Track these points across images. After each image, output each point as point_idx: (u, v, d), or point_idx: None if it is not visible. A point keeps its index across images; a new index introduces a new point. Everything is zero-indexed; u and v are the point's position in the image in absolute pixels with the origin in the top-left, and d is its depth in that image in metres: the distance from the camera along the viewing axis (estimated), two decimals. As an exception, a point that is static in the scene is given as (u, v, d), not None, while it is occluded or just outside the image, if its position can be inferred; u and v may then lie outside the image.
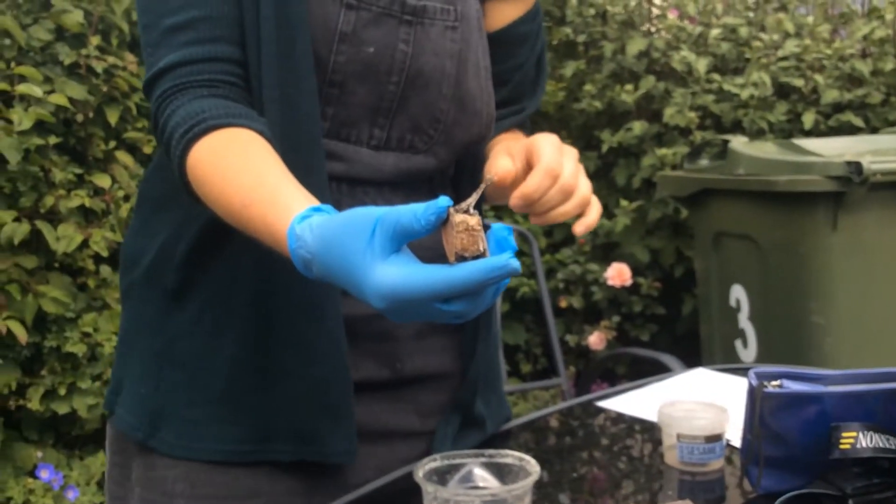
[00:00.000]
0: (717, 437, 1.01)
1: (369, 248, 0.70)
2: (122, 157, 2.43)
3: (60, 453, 2.34)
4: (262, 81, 0.92)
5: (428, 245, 0.79)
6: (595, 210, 0.93)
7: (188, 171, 0.89)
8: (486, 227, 0.71)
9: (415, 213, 0.69)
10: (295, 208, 0.78)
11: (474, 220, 0.69)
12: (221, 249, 0.96)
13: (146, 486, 0.99)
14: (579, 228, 0.91)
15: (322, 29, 0.93)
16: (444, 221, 0.70)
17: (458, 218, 0.69)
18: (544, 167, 0.89)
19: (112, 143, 2.43)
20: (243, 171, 0.85)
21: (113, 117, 2.38)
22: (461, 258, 0.69)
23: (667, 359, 2.34)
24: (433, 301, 0.69)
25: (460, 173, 1.09)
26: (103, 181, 2.35)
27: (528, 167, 0.92)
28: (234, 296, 0.96)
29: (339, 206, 0.97)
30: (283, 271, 0.88)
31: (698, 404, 1.07)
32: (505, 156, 0.97)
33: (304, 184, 0.85)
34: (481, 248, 0.69)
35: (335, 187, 0.98)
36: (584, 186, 0.92)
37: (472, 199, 0.70)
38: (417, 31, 0.97)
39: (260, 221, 0.81)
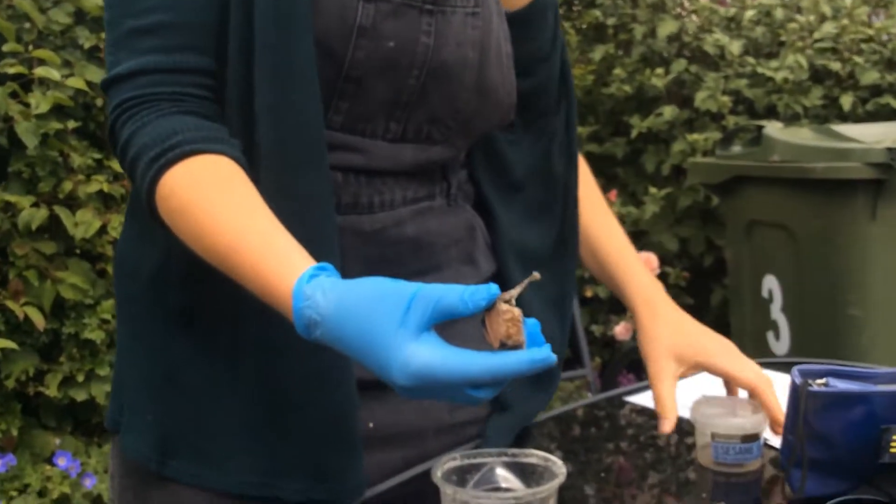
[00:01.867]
0: (754, 437, 0.95)
1: (403, 325, 0.69)
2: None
3: (78, 440, 2.33)
4: (254, 89, 0.86)
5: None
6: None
7: (159, 199, 0.83)
8: None
9: (461, 295, 0.69)
10: (297, 264, 0.76)
11: (518, 311, 0.71)
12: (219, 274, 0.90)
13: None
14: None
15: (338, 23, 0.86)
16: (490, 307, 0.71)
17: (503, 307, 0.70)
18: (766, 385, 1.00)
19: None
20: (229, 209, 0.81)
21: (132, 102, 2.35)
22: (503, 346, 0.71)
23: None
24: (465, 386, 0.70)
25: (473, 155, 1.04)
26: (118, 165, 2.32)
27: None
28: (243, 319, 0.90)
29: (359, 198, 0.93)
30: None
31: (733, 400, 1.01)
32: (673, 362, 1.04)
33: (307, 193, 0.84)
34: (522, 339, 0.71)
35: (353, 179, 0.92)
36: None
37: (517, 291, 0.72)
38: (439, 20, 0.91)
39: (250, 269, 0.78)
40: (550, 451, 0.93)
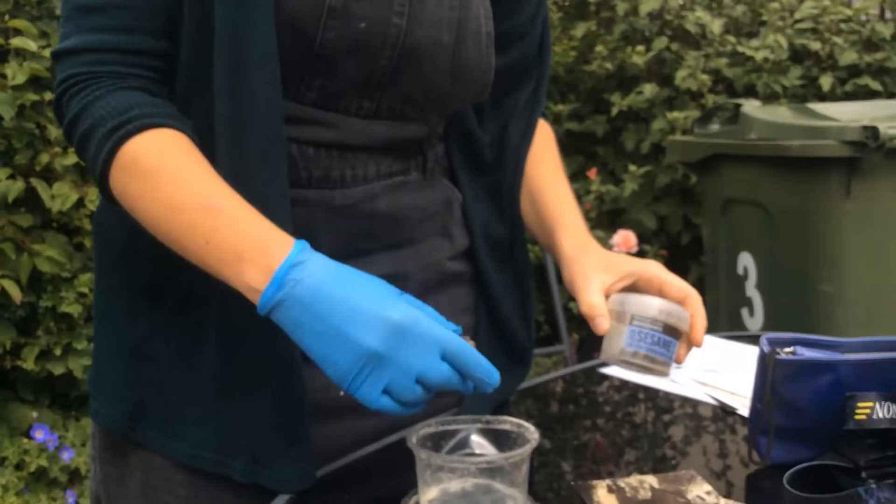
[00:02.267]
0: (675, 333, 0.88)
1: (395, 292, 0.77)
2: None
3: (56, 414, 2.32)
4: (212, 69, 0.85)
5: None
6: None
7: (116, 168, 0.83)
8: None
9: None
10: (281, 234, 0.80)
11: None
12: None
13: (148, 473, 0.95)
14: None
15: (309, 3, 0.86)
16: None
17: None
18: (696, 297, 0.92)
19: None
20: (199, 178, 0.82)
21: (110, 73, 2.33)
22: None
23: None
24: (437, 346, 0.76)
25: (449, 130, 1.04)
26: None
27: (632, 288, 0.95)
28: (208, 298, 0.90)
29: (330, 172, 0.92)
30: None
31: (661, 299, 0.91)
32: (603, 273, 0.96)
33: (261, 179, 0.84)
34: None
35: (324, 153, 0.92)
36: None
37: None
38: (413, 1, 0.90)
39: (226, 226, 0.80)
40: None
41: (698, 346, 0.90)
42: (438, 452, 0.83)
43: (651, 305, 0.87)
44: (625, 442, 1.02)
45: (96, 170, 0.84)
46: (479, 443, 0.85)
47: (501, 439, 0.85)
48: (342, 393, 0.95)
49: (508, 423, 0.85)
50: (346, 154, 0.94)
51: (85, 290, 2.26)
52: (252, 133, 0.85)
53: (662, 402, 1.13)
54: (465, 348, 0.78)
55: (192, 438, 0.92)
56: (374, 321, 0.75)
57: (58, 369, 2.24)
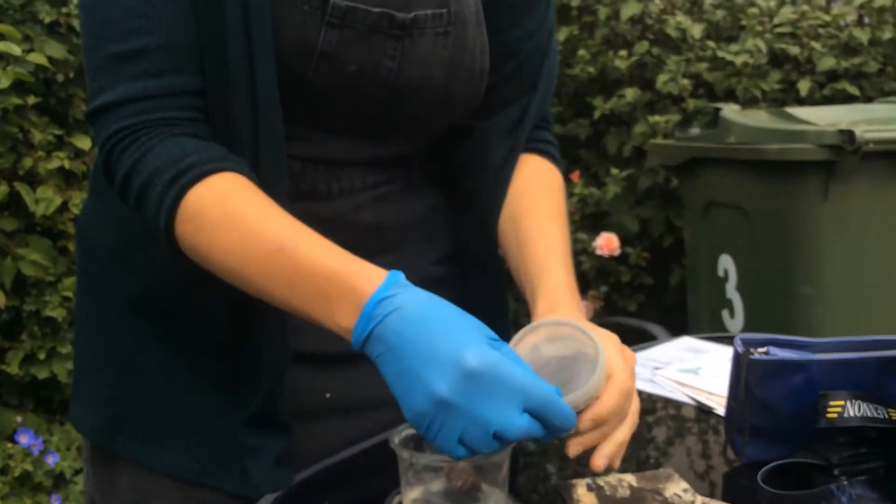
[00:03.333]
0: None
1: (482, 333, 0.73)
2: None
3: (41, 418, 2.32)
4: (231, 108, 0.84)
5: None
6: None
7: (181, 221, 0.81)
8: None
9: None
10: (369, 266, 0.77)
11: None
12: (185, 262, 0.89)
13: (137, 477, 0.96)
14: (600, 461, 0.80)
15: (299, 47, 0.85)
16: None
17: None
18: (621, 387, 0.79)
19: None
20: (271, 216, 0.81)
21: (94, 78, 2.33)
22: None
23: (652, 328, 2.33)
24: (517, 398, 0.71)
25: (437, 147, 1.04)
26: (83, 143, 2.30)
27: None
28: (202, 311, 0.90)
29: (316, 185, 0.92)
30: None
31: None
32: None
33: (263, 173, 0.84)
34: None
35: (311, 168, 0.92)
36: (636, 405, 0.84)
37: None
38: (405, 43, 0.89)
39: (308, 265, 0.78)
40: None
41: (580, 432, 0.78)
42: (420, 452, 0.84)
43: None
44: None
45: (159, 225, 0.82)
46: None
47: (483, 439, 0.86)
48: (328, 395, 0.97)
49: (490, 423, 0.87)
50: (333, 168, 0.94)
51: (69, 293, 2.26)
52: (264, 174, 0.85)
53: (643, 404, 1.15)
54: (549, 400, 0.72)
55: (178, 450, 0.92)
56: (448, 366, 0.70)
57: (42, 373, 2.24)
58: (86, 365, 1.00)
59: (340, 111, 0.91)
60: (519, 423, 0.71)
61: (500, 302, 1.08)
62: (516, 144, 1.03)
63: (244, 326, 0.89)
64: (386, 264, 0.93)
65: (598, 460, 0.79)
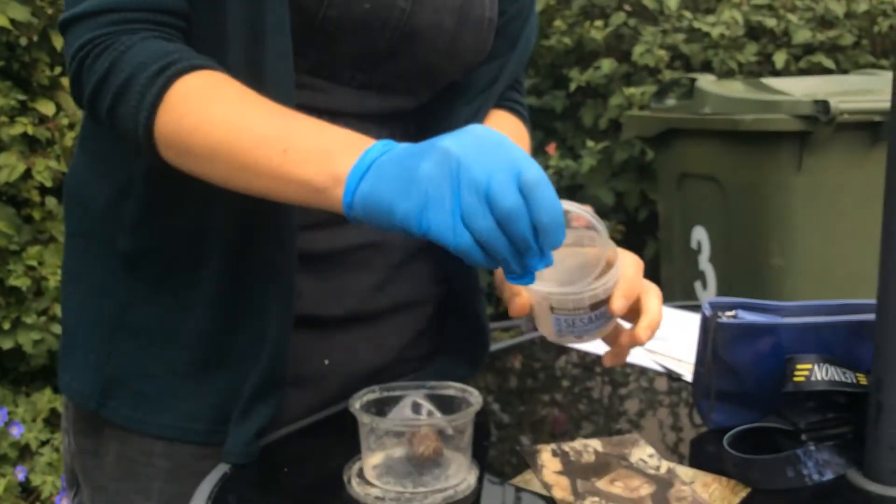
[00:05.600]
0: (602, 302, 0.79)
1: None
2: (69, 83, 2.32)
3: (6, 389, 2.28)
4: (227, 43, 0.81)
5: None
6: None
7: (166, 109, 0.77)
8: None
9: None
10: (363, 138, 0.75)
11: None
12: (182, 209, 0.86)
13: (124, 445, 0.93)
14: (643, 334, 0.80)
15: None
16: None
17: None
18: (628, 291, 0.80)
19: (58, 69, 2.33)
20: (262, 102, 0.77)
21: (59, 42, 2.27)
22: None
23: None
24: (515, 167, 0.66)
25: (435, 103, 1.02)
26: (48, 108, 2.25)
27: None
28: (200, 264, 0.87)
29: None
30: (257, 240, 0.82)
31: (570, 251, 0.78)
32: None
33: None
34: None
35: (315, 118, 0.90)
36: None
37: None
38: None
39: (315, 123, 0.76)
40: (488, 403, 0.94)
41: (616, 313, 0.79)
42: (382, 417, 0.82)
43: (569, 299, 0.77)
44: (577, 411, 1.03)
45: (140, 116, 0.77)
46: (423, 408, 0.85)
47: (446, 404, 0.85)
48: (326, 362, 0.95)
49: (452, 387, 0.85)
50: (338, 120, 0.91)
51: (34, 263, 2.22)
52: (266, 81, 0.82)
53: (611, 371, 1.14)
54: (542, 181, 0.67)
55: (179, 411, 0.90)
56: (456, 134, 0.69)
57: (6, 344, 2.20)
58: (75, 328, 0.97)
59: (348, 56, 0.89)
60: (511, 189, 0.66)
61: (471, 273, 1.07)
62: (487, 100, 1.02)
63: (245, 282, 0.87)
64: None
65: (642, 333, 0.79)
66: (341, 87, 0.91)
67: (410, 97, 0.97)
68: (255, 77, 0.81)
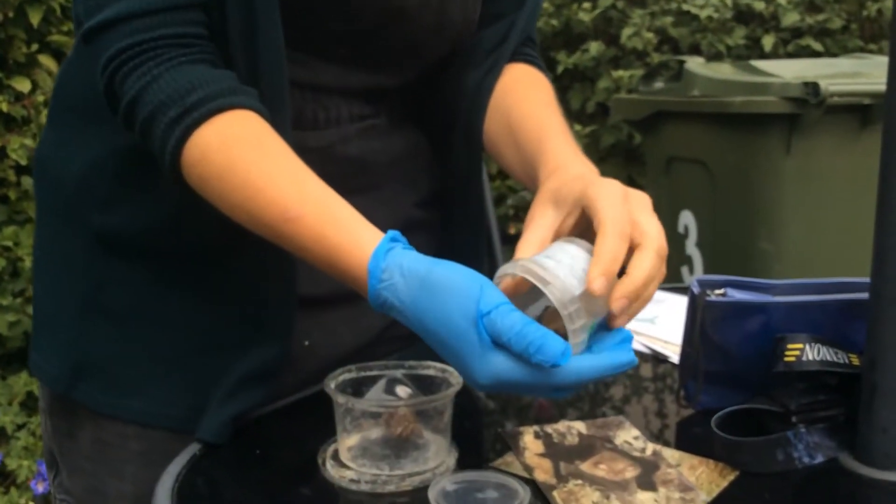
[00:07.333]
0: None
1: (476, 333, 0.66)
2: (45, 60, 2.28)
3: (-20, 372, 2.24)
4: (226, 16, 0.79)
5: None
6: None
7: (187, 165, 0.76)
8: None
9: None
10: (366, 237, 0.72)
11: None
12: (158, 186, 0.82)
13: (98, 428, 0.90)
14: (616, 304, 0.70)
15: None
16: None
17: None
18: (614, 230, 0.71)
19: (34, 46, 2.28)
20: (274, 175, 0.75)
21: (35, 18, 2.22)
22: None
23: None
24: (548, 391, 0.69)
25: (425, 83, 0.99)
26: (24, 86, 2.21)
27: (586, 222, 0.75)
28: (182, 244, 0.84)
29: (303, 112, 0.88)
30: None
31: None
32: (550, 207, 0.78)
33: (262, 97, 0.78)
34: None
35: (298, 94, 0.87)
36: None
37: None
38: None
39: (311, 240, 0.73)
40: (472, 390, 0.91)
41: (591, 290, 0.68)
42: (358, 398, 0.79)
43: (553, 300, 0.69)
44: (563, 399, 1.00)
45: (164, 165, 0.76)
46: (402, 388, 0.82)
47: (425, 384, 0.82)
48: (306, 343, 0.92)
49: (432, 367, 0.82)
50: (320, 95, 0.89)
51: (9, 243, 2.17)
52: (265, 84, 0.80)
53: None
54: (572, 379, 0.67)
55: (154, 396, 0.87)
56: (476, 370, 0.67)
57: (-19, 326, 2.16)
58: (46, 308, 0.94)
59: (332, 32, 0.86)
60: (558, 395, 0.71)
61: (477, 249, 1.04)
62: (500, 58, 0.98)
63: (236, 265, 0.85)
64: (369, 204, 0.88)
65: (615, 303, 0.69)
66: (325, 63, 0.88)
67: (397, 74, 0.94)
68: (247, 49, 0.79)
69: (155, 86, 0.75)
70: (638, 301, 0.71)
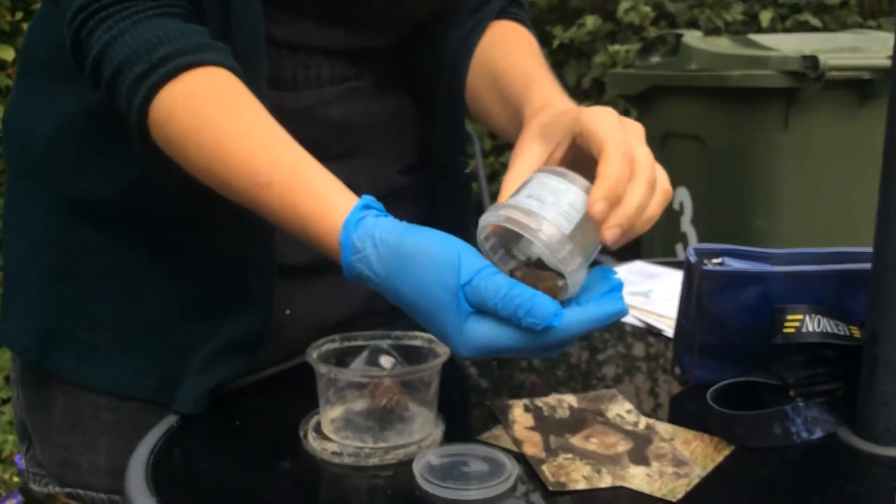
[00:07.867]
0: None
1: (456, 302, 0.63)
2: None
3: (-36, 346, 2.21)
4: None
5: None
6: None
7: (153, 124, 0.72)
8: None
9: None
10: (338, 202, 0.69)
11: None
12: (130, 149, 0.79)
13: (70, 398, 0.88)
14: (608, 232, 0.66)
15: None
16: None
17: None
18: (617, 152, 0.67)
19: (19, 14, 2.24)
20: (244, 138, 0.71)
21: (19, -15, 2.18)
22: None
23: (600, 256, 2.27)
24: (530, 355, 0.67)
25: (413, 45, 0.96)
26: (7, 54, 2.17)
27: (579, 153, 0.72)
28: (157, 209, 0.81)
29: (281, 71, 0.85)
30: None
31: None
32: (537, 142, 0.75)
33: (237, 54, 0.74)
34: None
35: (275, 52, 0.84)
36: (663, 176, 0.71)
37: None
38: None
39: (280, 206, 0.70)
40: (465, 367, 0.88)
41: (592, 214, 0.65)
42: (342, 368, 0.77)
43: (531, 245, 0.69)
44: (555, 377, 0.97)
45: (131, 124, 0.73)
46: (387, 359, 0.79)
47: (412, 355, 0.79)
48: (287, 312, 0.89)
49: (419, 338, 0.80)
50: (299, 54, 0.86)
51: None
52: (238, 38, 0.77)
53: (591, 336, 1.08)
54: (554, 340, 0.64)
55: (128, 366, 0.85)
56: (456, 339, 0.65)
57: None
58: (15, 274, 0.91)
59: None
60: (547, 355, 0.68)
61: (464, 218, 1.01)
62: (484, 17, 0.95)
63: (215, 232, 0.81)
64: (352, 169, 0.84)
65: (607, 231, 0.65)
66: (303, 20, 0.85)
67: (379, 35, 0.91)
68: (220, 1, 0.75)
69: (121, 40, 0.72)
70: (630, 232, 0.67)
